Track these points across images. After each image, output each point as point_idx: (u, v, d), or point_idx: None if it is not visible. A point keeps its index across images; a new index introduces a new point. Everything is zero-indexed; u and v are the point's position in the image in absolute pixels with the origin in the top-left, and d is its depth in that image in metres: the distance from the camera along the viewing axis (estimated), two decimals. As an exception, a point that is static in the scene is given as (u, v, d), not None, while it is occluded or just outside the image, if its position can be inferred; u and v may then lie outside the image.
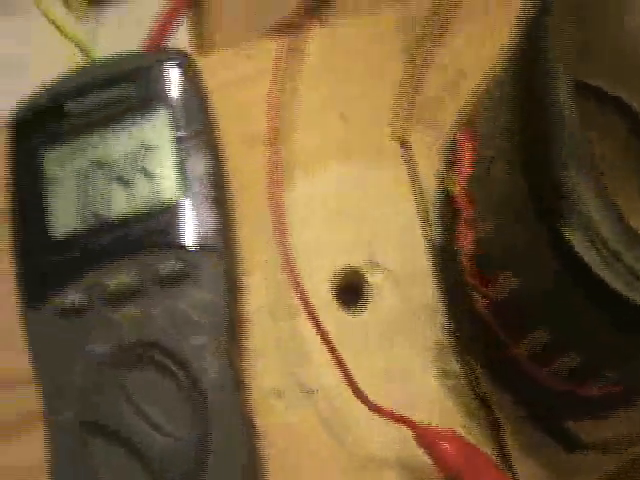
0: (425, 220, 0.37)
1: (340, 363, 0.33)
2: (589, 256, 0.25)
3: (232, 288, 0.34)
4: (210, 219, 0.34)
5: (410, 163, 0.35)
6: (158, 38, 0.41)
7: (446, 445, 0.32)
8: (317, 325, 0.33)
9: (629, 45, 0.33)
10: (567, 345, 0.30)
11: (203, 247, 0.34)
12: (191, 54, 0.37)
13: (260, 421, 0.35)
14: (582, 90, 0.35)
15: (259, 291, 0.36)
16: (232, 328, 0.34)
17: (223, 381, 0.33)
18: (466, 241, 0.33)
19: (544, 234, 0.26)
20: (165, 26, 0.42)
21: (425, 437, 0.32)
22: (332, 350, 0.33)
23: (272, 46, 0.38)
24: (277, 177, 0.35)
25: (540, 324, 0.30)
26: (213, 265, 0.34)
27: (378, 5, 0.39)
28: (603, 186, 0.24)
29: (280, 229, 0.34)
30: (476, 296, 0.34)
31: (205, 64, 0.38)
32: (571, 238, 0.25)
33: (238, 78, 0.39)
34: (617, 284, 0.24)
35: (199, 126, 0.35)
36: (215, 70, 0.39)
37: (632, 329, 0.26)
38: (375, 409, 0.33)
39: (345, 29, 0.39)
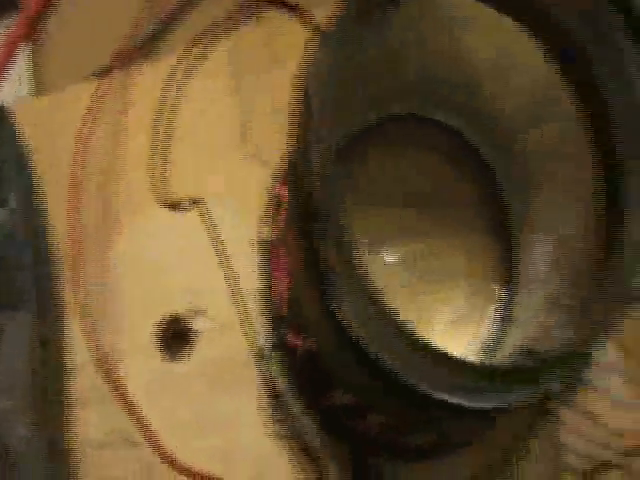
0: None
1: (143, 425, 0.32)
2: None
3: (40, 348, 0.33)
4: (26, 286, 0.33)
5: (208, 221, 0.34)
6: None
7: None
8: (112, 378, 0.33)
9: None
10: (364, 406, 0.30)
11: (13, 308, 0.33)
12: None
13: (85, 473, 0.35)
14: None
15: (81, 344, 0.35)
16: (41, 389, 0.33)
17: (30, 441, 0.32)
18: (282, 288, 0.33)
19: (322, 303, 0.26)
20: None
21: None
22: (133, 413, 0.32)
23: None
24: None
25: (339, 384, 0.30)
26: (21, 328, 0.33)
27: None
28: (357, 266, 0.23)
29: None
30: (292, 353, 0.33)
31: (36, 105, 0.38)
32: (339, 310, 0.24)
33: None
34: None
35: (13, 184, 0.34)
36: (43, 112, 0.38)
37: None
38: (180, 469, 0.32)
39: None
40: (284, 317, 0.34)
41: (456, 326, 0.35)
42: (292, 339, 0.33)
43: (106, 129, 0.38)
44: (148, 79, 0.38)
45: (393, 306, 0.24)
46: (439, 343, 0.23)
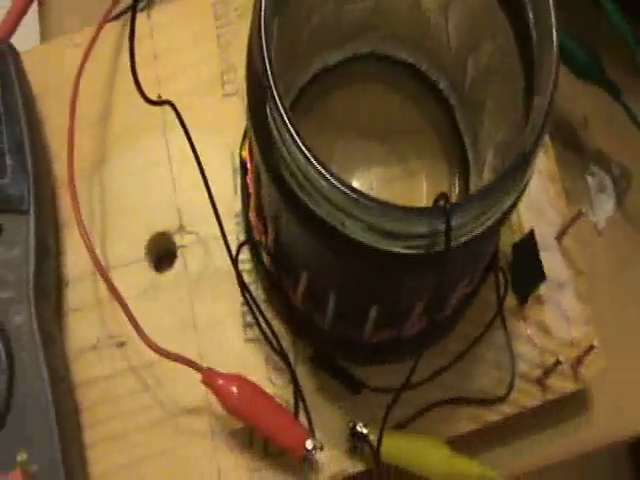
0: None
1: (129, 316, 0.36)
2: (299, 193, 0.28)
3: (42, 249, 0.37)
4: (22, 185, 0.37)
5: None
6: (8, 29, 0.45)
7: (229, 386, 0.35)
8: (108, 283, 0.36)
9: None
10: (325, 284, 0.33)
11: (15, 210, 0.37)
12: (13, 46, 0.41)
13: (76, 376, 0.38)
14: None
15: (78, 249, 0.39)
16: (41, 285, 0.37)
17: (27, 332, 0.36)
18: (251, 196, 0.37)
19: (278, 192, 0.29)
20: (14, 19, 0.46)
21: (210, 379, 0.35)
22: (122, 304, 0.36)
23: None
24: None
25: (302, 266, 0.33)
26: (23, 227, 0.37)
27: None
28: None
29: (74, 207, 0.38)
30: (262, 251, 0.37)
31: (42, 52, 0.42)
32: (288, 182, 0.28)
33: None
34: (327, 218, 0.28)
35: (15, 106, 0.39)
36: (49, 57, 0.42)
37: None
38: (164, 354, 0.36)
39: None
40: (252, 226, 0.38)
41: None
42: (259, 236, 0.36)
43: (100, 74, 0.42)
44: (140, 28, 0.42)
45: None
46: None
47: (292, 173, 0.28)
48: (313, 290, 0.34)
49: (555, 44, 0.28)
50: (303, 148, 0.26)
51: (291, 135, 0.26)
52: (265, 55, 0.27)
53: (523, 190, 0.29)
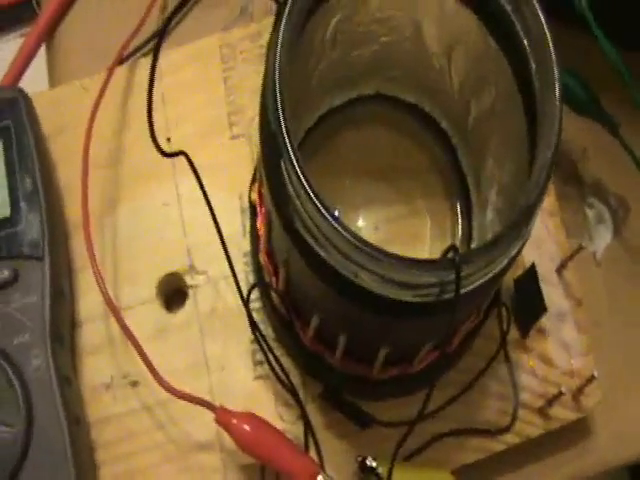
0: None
1: (142, 356, 0.37)
2: (313, 245, 0.29)
3: (57, 293, 0.38)
4: (36, 231, 0.38)
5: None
6: (16, 74, 0.46)
7: (242, 424, 0.36)
8: (121, 324, 0.37)
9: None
10: (336, 327, 0.34)
11: (31, 256, 0.38)
12: (24, 91, 0.42)
13: (91, 414, 0.39)
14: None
15: (92, 291, 0.40)
16: (57, 329, 0.38)
17: (45, 375, 0.37)
18: (261, 238, 0.38)
19: (291, 242, 0.30)
20: (23, 62, 0.47)
21: (223, 418, 0.36)
22: (135, 344, 0.37)
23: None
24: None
25: (313, 310, 0.34)
26: (39, 273, 0.38)
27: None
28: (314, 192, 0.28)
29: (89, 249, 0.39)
30: (272, 292, 0.38)
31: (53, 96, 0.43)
32: (301, 233, 0.29)
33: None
34: (340, 269, 0.29)
35: (28, 151, 0.39)
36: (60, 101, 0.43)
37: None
38: (177, 394, 0.36)
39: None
40: (262, 267, 0.39)
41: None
42: (269, 277, 0.37)
43: (111, 117, 0.43)
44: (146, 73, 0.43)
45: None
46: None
47: (306, 226, 0.29)
48: (323, 332, 0.35)
49: (558, 97, 0.29)
50: (319, 205, 0.27)
51: (307, 192, 0.27)
52: (281, 114, 0.28)
53: (527, 237, 0.31)
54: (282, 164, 0.28)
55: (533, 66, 0.31)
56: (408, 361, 0.36)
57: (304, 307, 0.35)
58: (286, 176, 0.28)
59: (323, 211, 0.27)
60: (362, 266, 0.28)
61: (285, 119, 0.28)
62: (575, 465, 0.42)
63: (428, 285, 0.28)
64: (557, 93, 0.30)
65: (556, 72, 0.30)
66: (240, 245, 0.41)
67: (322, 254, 0.29)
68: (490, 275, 0.29)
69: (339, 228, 0.27)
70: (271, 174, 0.30)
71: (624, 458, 0.43)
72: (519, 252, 0.30)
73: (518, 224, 0.28)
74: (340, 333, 0.34)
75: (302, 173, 0.27)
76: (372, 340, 0.34)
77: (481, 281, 0.29)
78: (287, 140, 0.28)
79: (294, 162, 0.27)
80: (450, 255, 0.28)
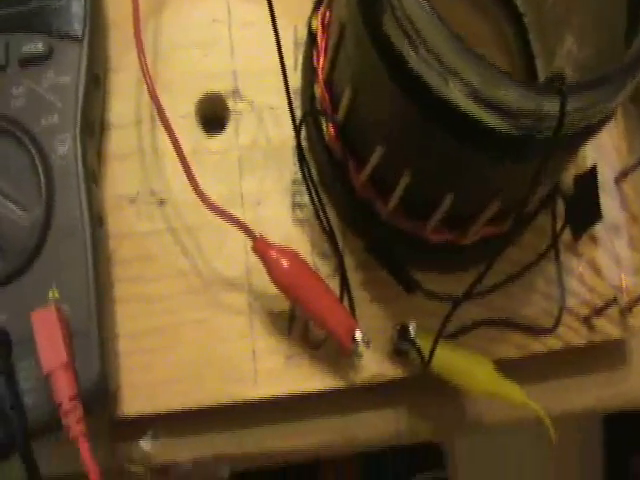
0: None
1: (186, 168, 0.33)
2: (405, 51, 0.26)
3: (91, 79, 0.34)
4: (77, 10, 0.34)
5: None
6: None
7: (281, 258, 0.32)
8: (170, 134, 0.33)
9: None
10: (402, 162, 0.30)
11: (67, 35, 0.34)
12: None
13: (111, 227, 0.35)
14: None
15: (126, 95, 0.36)
16: (87, 117, 0.34)
17: (70, 165, 0.32)
18: (317, 69, 0.34)
19: (374, 48, 0.27)
20: None
21: (262, 247, 0.32)
22: (179, 155, 0.33)
23: None
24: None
25: (378, 140, 0.31)
26: (75, 53, 0.33)
27: None
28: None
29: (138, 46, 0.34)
30: (325, 126, 0.34)
31: None
32: (389, 33, 0.26)
33: None
34: (429, 77, 0.26)
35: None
36: None
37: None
38: (218, 211, 0.32)
39: None
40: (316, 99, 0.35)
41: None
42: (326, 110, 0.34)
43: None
44: None
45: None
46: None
47: (400, 23, 0.25)
48: (382, 171, 0.32)
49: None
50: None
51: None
52: None
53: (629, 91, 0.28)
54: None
55: None
56: (464, 227, 0.33)
57: (365, 141, 0.32)
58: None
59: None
60: (455, 72, 0.25)
61: None
62: (609, 391, 0.40)
63: (523, 112, 0.25)
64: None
65: None
66: (290, 79, 0.37)
67: (412, 59, 0.26)
68: (588, 122, 0.27)
69: (438, 20, 0.24)
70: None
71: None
72: (614, 111, 0.28)
73: (628, 68, 0.25)
74: (404, 171, 0.30)
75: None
76: (439, 183, 0.31)
77: (581, 125, 0.26)
78: None
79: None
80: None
